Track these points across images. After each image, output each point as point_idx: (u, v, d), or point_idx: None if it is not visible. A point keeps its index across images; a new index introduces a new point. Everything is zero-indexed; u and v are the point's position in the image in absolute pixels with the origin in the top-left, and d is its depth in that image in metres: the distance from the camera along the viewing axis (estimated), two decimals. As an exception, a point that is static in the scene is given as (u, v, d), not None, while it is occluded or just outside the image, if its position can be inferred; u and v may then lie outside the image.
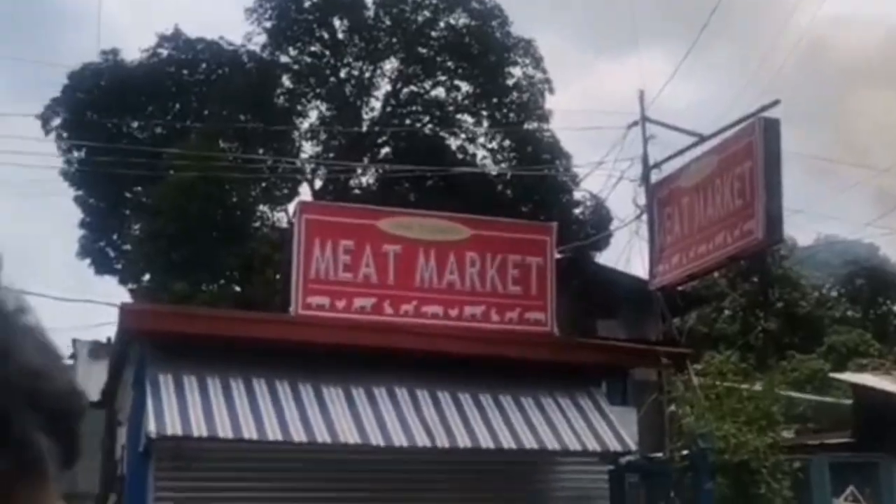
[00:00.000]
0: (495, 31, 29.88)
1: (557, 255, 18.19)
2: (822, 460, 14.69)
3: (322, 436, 11.82)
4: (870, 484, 15.08)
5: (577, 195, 29.61)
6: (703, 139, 17.55)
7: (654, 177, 18.50)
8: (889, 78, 48.76)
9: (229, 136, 28.98)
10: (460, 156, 29.55)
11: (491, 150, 30.68)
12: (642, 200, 18.43)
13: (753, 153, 15.51)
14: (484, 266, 14.47)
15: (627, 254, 20.20)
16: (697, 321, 37.01)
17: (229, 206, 28.29)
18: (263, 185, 29.68)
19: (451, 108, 30.41)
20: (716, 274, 37.07)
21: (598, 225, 28.28)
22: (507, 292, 14.54)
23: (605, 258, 27.44)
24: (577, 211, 29.69)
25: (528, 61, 30.31)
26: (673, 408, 16.21)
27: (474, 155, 30.28)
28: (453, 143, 30.23)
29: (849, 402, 20.35)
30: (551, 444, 12.96)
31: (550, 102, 30.74)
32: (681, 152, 18.01)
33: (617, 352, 15.36)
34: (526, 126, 29.72)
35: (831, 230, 46.15)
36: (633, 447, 13.87)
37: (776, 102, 15.96)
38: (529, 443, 12.84)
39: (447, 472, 13.05)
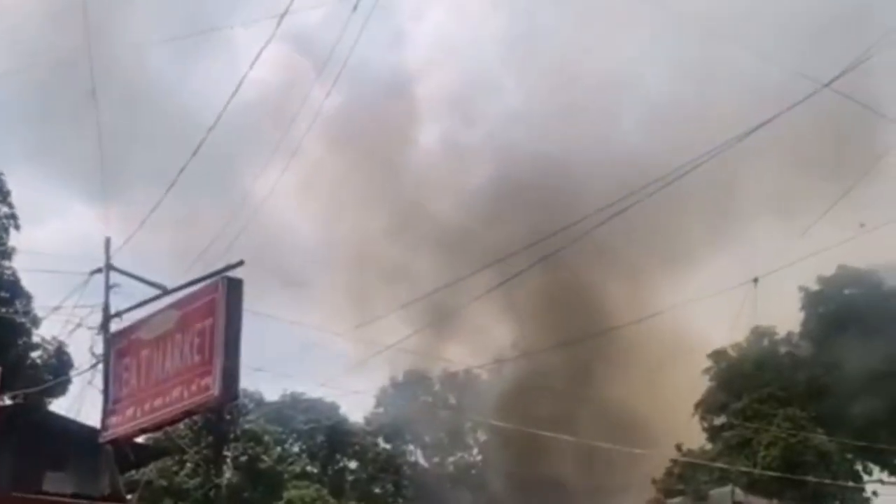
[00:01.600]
0: (-45, 158, 28.41)
1: (6, 401, 17.10)
2: None
3: None
4: None
5: (37, 338, 28.33)
6: (166, 292, 17.56)
7: (116, 326, 18.17)
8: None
9: None
10: None
11: (-60, 285, 28.52)
12: (100, 349, 17.98)
13: (215, 311, 15.73)
14: None
15: (80, 404, 19.37)
16: (158, 474, 36.36)
17: None
18: None
19: None
20: (181, 426, 36.94)
21: (57, 371, 27.11)
22: (-66, 442, 13.34)
23: (62, 406, 26.16)
24: (35, 355, 28.32)
25: (-8, 194, 29.01)
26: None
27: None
28: None
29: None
30: None
31: (15, 239, 29.48)
32: (144, 303, 17.89)
33: (53, 509, 14.57)
34: (-15, 262, 28.17)
35: (297, 387, 48.38)
36: None
37: (240, 263, 16.37)
38: None
39: None
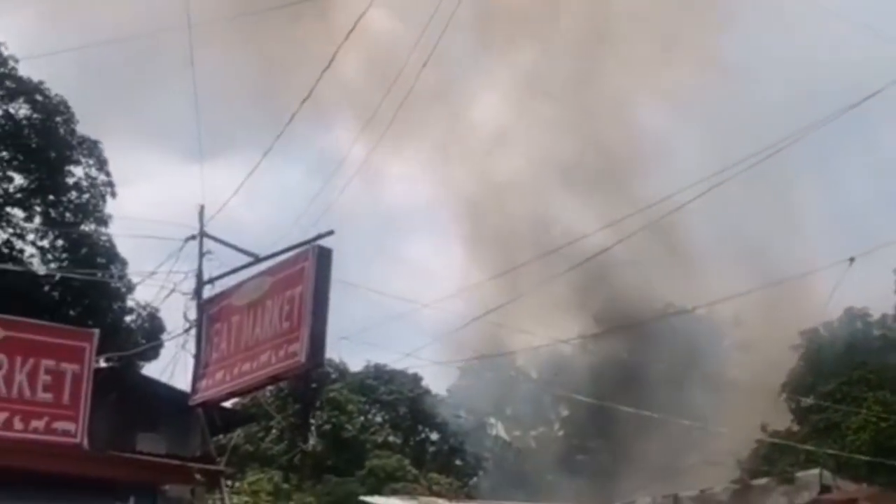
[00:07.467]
0: (59, 127, 28.95)
1: (102, 364, 17.47)
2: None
3: None
4: None
5: (131, 303, 28.96)
6: (258, 260, 17.80)
7: (208, 292, 18.47)
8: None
9: None
10: (6, 251, 27.95)
11: (41, 249, 29.28)
12: (194, 314, 18.31)
13: (305, 279, 15.90)
14: (12, 370, 13.65)
15: (172, 368, 19.77)
16: (244, 439, 37.13)
17: None
18: None
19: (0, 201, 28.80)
20: (267, 393, 37.59)
21: (150, 335, 27.67)
22: (35, 399, 13.77)
23: (154, 370, 26.73)
24: (129, 319, 28.93)
25: (91, 162, 29.45)
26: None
27: (22, 251, 28.77)
28: (-1, 236, 28.63)
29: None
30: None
31: (112, 206, 30.01)
32: (236, 270, 18.17)
33: (147, 467, 14.96)
34: (82, 228, 28.77)
35: (381, 358, 48.76)
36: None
37: (331, 232, 16.50)
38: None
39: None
